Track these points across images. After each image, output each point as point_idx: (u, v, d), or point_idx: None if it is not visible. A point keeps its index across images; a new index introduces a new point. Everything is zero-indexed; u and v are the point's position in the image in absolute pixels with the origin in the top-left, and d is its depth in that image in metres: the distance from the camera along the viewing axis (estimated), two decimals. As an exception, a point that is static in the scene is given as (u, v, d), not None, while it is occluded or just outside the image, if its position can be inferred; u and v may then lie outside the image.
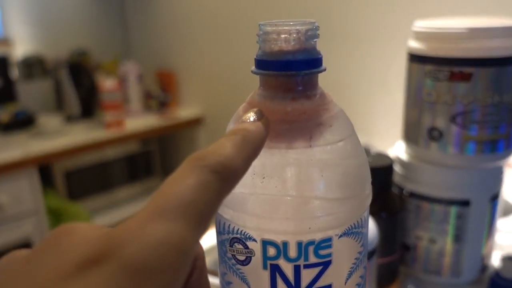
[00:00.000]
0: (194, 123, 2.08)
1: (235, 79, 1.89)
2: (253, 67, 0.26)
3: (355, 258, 0.26)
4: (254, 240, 0.24)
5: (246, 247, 0.25)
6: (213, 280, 0.33)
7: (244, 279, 0.25)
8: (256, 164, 0.23)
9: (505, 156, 0.47)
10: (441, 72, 0.44)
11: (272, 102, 0.25)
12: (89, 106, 2.09)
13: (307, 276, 0.24)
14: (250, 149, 0.21)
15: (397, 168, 0.52)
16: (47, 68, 2.11)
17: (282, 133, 0.24)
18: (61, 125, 1.86)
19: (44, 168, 1.71)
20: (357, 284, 0.26)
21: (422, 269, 0.52)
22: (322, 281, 0.25)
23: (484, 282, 0.51)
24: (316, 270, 0.24)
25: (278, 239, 0.24)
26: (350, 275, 0.26)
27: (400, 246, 0.51)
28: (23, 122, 1.86)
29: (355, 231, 0.25)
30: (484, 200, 0.48)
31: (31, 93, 2.06)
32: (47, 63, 2.11)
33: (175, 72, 2.17)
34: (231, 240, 0.25)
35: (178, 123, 2.04)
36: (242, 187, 0.24)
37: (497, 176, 0.49)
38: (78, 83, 2.05)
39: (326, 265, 0.24)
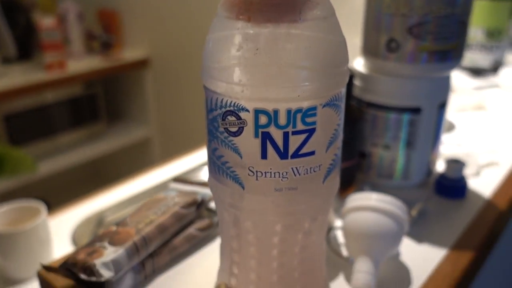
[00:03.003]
0: (140, 64, 2.03)
1: (183, 18, 1.84)
2: None
3: (335, 129, 0.29)
4: (247, 110, 0.26)
5: (239, 118, 0.27)
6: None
7: (235, 149, 0.28)
8: (249, 38, 0.25)
9: (454, 66, 0.51)
10: (399, -15, 0.47)
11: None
12: (27, 47, 1.97)
13: (294, 142, 0.27)
14: None
15: (356, 82, 0.55)
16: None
17: (274, 9, 0.26)
18: (-5, 66, 1.75)
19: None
20: (335, 154, 0.29)
21: (376, 174, 0.56)
22: (307, 148, 0.27)
23: (430, 184, 0.57)
24: (303, 136, 0.27)
25: (270, 107, 0.26)
26: (330, 144, 0.28)
27: (358, 154, 0.56)
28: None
29: (336, 103, 0.28)
30: (433, 107, 0.52)
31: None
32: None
33: (118, 11, 2.08)
34: (224, 114, 0.27)
35: (123, 64, 1.98)
36: (236, 60, 0.26)
37: (445, 85, 0.54)
38: (13, 22, 1.92)
39: (311, 132, 0.27)
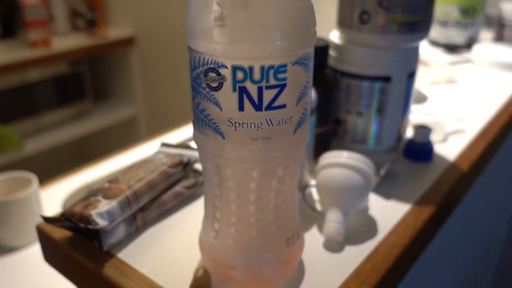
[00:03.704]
0: (126, 43, 2.04)
1: (167, -4, 1.85)
2: None
3: (303, 86, 0.32)
4: (226, 67, 0.30)
5: (219, 74, 0.30)
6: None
7: (216, 103, 0.31)
8: (226, 2, 0.29)
9: (421, 37, 0.55)
10: (371, -39, 0.50)
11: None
12: (10, 24, 1.96)
13: (268, 96, 0.30)
14: None
15: (331, 52, 0.59)
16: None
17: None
18: (-21, 44, 1.74)
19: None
20: (304, 109, 0.33)
21: (351, 140, 0.60)
22: (279, 101, 0.31)
23: (400, 148, 0.62)
24: (275, 91, 0.31)
25: (246, 64, 0.29)
26: (299, 99, 0.32)
27: (333, 121, 0.60)
28: None
29: (304, 62, 0.32)
30: (402, 76, 0.57)
31: None
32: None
33: (103, -11, 2.07)
34: (206, 71, 0.31)
35: (108, 42, 1.98)
36: (216, 22, 0.29)
37: (414, 56, 0.58)
38: (-5, -1, 1.90)
39: (282, 87, 0.31)
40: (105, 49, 2.04)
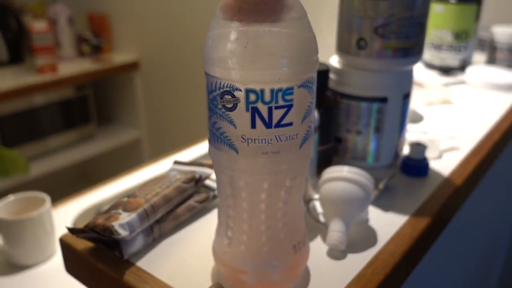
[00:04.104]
0: (130, 67, 2.09)
1: (170, 23, 1.91)
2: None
3: (308, 106, 0.36)
4: (240, 90, 0.34)
5: (234, 96, 0.34)
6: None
7: (231, 121, 0.35)
8: (240, 34, 0.33)
9: (415, 61, 0.60)
10: (366, -8, 0.55)
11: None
12: (18, 51, 2.02)
13: (277, 115, 0.35)
14: None
15: (332, 76, 0.63)
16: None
17: (259, 12, 0.33)
18: (-12, 69, 1.79)
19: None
20: (308, 126, 0.37)
21: (351, 157, 0.64)
22: (286, 119, 0.35)
23: (397, 164, 0.65)
24: (283, 110, 0.35)
25: (257, 87, 0.34)
26: (304, 117, 0.36)
27: (334, 139, 0.64)
28: None
29: (308, 85, 0.36)
30: (398, 97, 0.61)
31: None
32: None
33: (108, 15, 2.14)
34: (222, 94, 0.35)
35: (113, 67, 2.04)
36: (231, 51, 0.33)
37: (408, 78, 0.62)
38: (3, 26, 1.96)
39: (289, 107, 0.35)
40: (110, 74, 2.10)
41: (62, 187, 2.25)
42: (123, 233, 0.43)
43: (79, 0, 2.20)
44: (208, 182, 0.56)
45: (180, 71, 1.96)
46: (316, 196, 0.55)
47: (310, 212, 0.53)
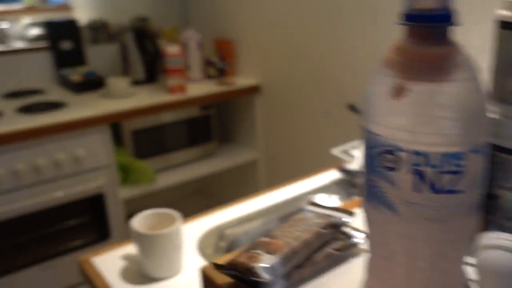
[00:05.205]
0: (252, 91, 2.16)
1: (292, 50, 1.95)
2: (399, 20, 0.33)
3: (480, 173, 0.34)
4: (403, 150, 0.32)
5: (395, 156, 0.33)
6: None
7: (391, 181, 0.34)
8: (412, 97, 0.32)
9: None
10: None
11: (418, 47, 0.33)
12: (153, 71, 2.20)
13: (444, 180, 0.32)
14: None
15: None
16: (112, 33, 2.21)
17: (428, 71, 0.32)
18: (128, 87, 1.97)
19: (114, 127, 1.84)
20: (479, 194, 0.34)
21: (504, 217, 0.59)
22: (455, 186, 0.33)
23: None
24: (452, 176, 0.32)
25: (422, 149, 0.32)
26: (476, 184, 0.34)
27: (486, 195, 0.58)
28: (93, 83, 1.98)
29: (480, 150, 0.33)
30: None
31: (98, 57, 2.17)
32: (110, 28, 2.21)
33: (234, 41, 2.25)
34: (383, 152, 0.34)
35: (236, 90, 2.13)
36: (396, 111, 0.32)
37: None
38: (142, 48, 2.15)
39: (459, 173, 0.32)
40: (233, 96, 2.19)
41: (182, 199, 2.39)
42: (266, 276, 0.43)
43: (208, 26, 2.34)
44: (345, 228, 0.55)
45: (299, 98, 1.98)
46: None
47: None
